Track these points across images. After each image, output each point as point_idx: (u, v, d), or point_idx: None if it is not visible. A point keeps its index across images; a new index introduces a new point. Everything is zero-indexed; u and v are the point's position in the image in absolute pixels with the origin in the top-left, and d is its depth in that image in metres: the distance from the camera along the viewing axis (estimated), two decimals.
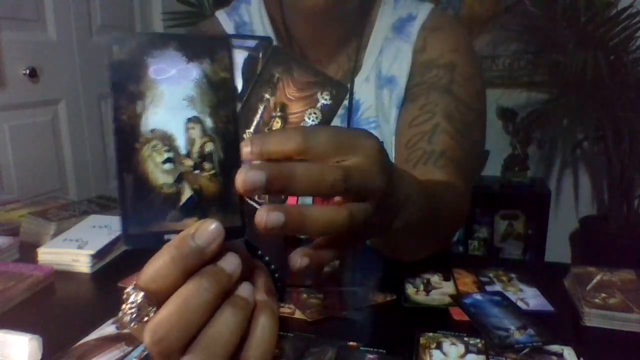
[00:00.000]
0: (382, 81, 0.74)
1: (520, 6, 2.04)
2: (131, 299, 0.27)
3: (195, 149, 0.29)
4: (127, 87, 0.28)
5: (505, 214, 2.29)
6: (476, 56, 0.77)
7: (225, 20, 0.79)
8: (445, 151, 0.65)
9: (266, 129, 0.37)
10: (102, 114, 2.27)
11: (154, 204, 0.27)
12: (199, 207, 0.28)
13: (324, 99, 0.37)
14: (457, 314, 0.54)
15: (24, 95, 1.86)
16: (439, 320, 0.53)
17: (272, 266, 0.37)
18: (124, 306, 0.27)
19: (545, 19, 1.97)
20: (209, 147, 0.29)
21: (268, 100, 0.37)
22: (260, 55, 0.37)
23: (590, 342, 0.50)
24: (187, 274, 0.27)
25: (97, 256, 0.68)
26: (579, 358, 0.45)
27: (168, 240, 0.27)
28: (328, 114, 0.37)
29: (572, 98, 2.02)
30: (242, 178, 0.28)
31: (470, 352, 0.46)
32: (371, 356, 0.46)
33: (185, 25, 2.31)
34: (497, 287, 0.60)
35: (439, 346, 0.47)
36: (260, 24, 0.78)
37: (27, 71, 1.84)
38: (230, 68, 0.30)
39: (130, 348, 0.48)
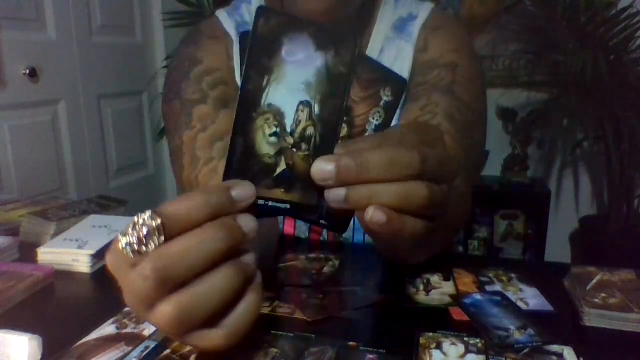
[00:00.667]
0: None
1: (520, 6, 2.04)
2: (143, 222, 0.27)
3: (299, 129, 0.31)
4: (261, 61, 0.30)
5: (505, 214, 2.29)
6: (477, 56, 0.77)
7: (225, 20, 0.79)
8: None
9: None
10: (102, 114, 2.27)
11: (253, 169, 0.31)
12: (288, 181, 0.31)
13: (386, 95, 0.35)
14: (457, 314, 0.54)
15: (24, 95, 1.86)
16: (439, 320, 0.53)
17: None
18: (129, 229, 0.27)
19: (545, 19, 1.98)
20: (310, 130, 0.31)
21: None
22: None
23: (590, 342, 0.50)
24: (209, 220, 0.27)
25: (97, 256, 0.68)
26: (579, 358, 0.45)
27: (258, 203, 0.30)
28: (391, 111, 0.35)
29: (572, 98, 2.02)
30: (313, 170, 0.30)
31: (470, 352, 0.46)
32: (371, 356, 0.46)
33: (185, 25, 2.31)
34: (497, 287, 0.60)
35: (439, 346, 0.47)
36: None
37: (27, 71, 1.84)
38: (350, 65, 0.31)
39: (130, 348, 0.48)
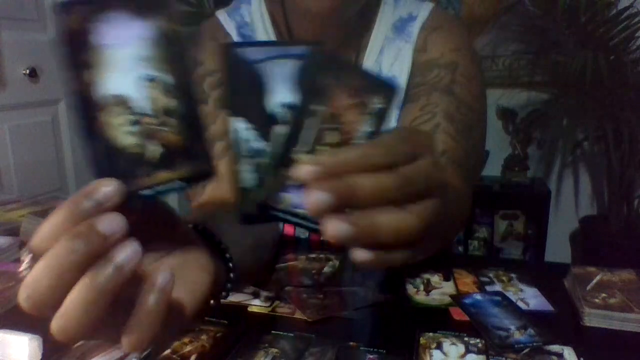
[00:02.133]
0: None
1: (520, 6, 2.04)
2: (25, 262, 0.27)
3: (159, 106, 0.29)
4: (75, 58, 0.27)
5: (505, 214, 2.29)
6: (477, 56, 0.77)
7: (225, 21, 0.79)
8: (446, 151, 0.65)
9: (321, 144, 0.34)
10: None
11: (123, 164, 0.28)
12: (167, 160, 0.29)
13: (376, 102, 0.34)
14: (457, 314, 0.54)
15: (24, 95, 1.86)
16: (439, 320, 0.53)
17: (227, 254, 0.38)
18: (20, 269, 0.27)
19: (545, 19, 1.97)
20: (172, 103, 0.29)
21: (320, 112, 0.34)
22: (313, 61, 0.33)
23: (590, 342, 0.50)
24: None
25: None
26: (579, 358, 0.45)
27: (141, 195, 0.28)
28: (382, 117, 0.34)
29: (572, 98, 2.02)
30: (308, 200, 0.28)
31: (471, 352, 0.46)
32: (371, 356, 0.46)
33: (185, 25, 2.31)
34: (497, 287, 0.60)
35: (439, 346, 0.47)
36: (262, 25, 0.78)
37: (27, 71, 1.84)
38: (180, 21, 0.30)
39: None
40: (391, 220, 0.29)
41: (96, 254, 0.26)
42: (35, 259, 0.26)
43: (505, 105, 2.30)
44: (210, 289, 0.37)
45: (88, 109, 0.28)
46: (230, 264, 0.39)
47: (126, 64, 0.28)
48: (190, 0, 2.32)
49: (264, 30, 0.78)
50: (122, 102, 0.28)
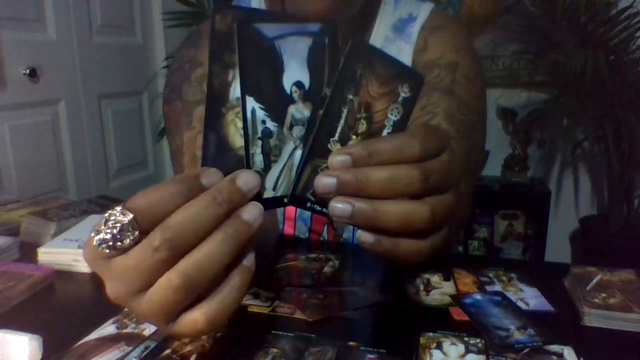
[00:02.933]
0: None
1: (520, 6, 2.04)
2: (115, 219, 0.27)
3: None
4: (223, 56, 0.29)
5: (505, 214, 2.29)
6: (477, 56, 0.77)
7: None
8: None
9: (351, 133, 0.34)
10: (102, 114, 2.27)
11: (229, 163, 0.30)
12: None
13: (404, 92, 0.34)
14: (457, 314, 0.54)
15: (24, 95, 1.86)
16: (439, 320, 0.53)
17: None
18: (102, 226, 0.27)
19: (545, 19, 1.98)
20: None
21: (352, 101, 0.33)
22: (326, 41, 0.32)
23: (590, 342, 0.50)
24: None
25: None
26: (579, 358, 0.45)
27: None
28: (409, 107, 0.35)
29: (572, 98, 2.02)
30: (316, 183, 0.30)
31: (471, 352, 0.46)
32: (371, 356, 0.46)
33: (185, 25, 2.31)
34: (497, 287, 0.60)
35: (439, 346, 0.47)
36: None
37: (27, 71, 1.84)
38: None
39: (130, 348, 0.48)
40: (400, 209, 0.30)
41: (234, 209, 0.28)
42: (138, 224, 0.27)
43: (505, 105, 2.30)
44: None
45: (219, 104, 0.30)
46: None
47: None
48: (190, 0, 2.32)
49: None
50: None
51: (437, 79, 0.70)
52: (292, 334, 0.49)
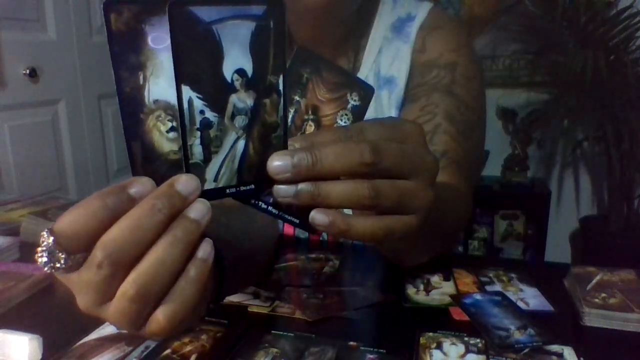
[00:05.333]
0: (381, 82, 0.74)
1: (520, 6, 2.04)
2: (44, 242, 0.26)
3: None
4: (127, 59, 0.27)
5: (505, 214, 2.29)
6: (476, 56, 0.77)
7: None
8: (447, 152, 0.65)
9: (299, 134, 0.35)
10: (102, 114, 2.27)
11: (160, 170, 0.28)
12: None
13: (353, 100, 0.35)
14: (457, 314, 0.54)
15: (24, 95, 1.86)
16: (439, 320, 0.53)
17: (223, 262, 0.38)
18: (38, 250, 0.27)
19: (545, 19, 1.98)
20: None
21: (299, 102, 0.34)
22: (272, 25, 0.29)
23: (590, 342, 0.50)
24: (110, 222, 0.26)
25: None
26: (579, 358, 0.45)
27: None
28: (358, 115, 0.35)
29: (572, 98, 2.03)
30: (270, 164, 0.29)
31: (471, 352, 0.46)
32: (371, 356, 0.46)
33: None
34: (497, 287, 0.60)
35: (439, 346, 0.47)
36: None
37: (27, 71, 1.84)
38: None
39: (130, 348, 0.48)
40: (343, 186, 0.30)
41: (175, 214, 0.27)
42: (63, 246, 0.26)
43: (505, 105, 2.30)
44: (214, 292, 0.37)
45: (135, 110, 0.28)
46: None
47: (171, 71, 0.27)
48: None
49: None
50: (166, 107, 0.28)
51: (436, 79, 0.70)
52: (292, 334, 0.49)
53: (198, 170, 0.29)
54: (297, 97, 0.34)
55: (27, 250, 0.73)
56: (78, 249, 0.26)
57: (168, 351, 0.47)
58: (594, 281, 0.57)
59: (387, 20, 0.76)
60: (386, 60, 0.74)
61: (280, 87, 0.30)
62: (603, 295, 0.54)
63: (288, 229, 0.78)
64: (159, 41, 0.27)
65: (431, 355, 0.46)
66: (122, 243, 0.26)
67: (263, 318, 0.54)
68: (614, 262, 0.63)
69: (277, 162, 0.30)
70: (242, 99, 0.29)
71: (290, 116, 0.34)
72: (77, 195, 2.07)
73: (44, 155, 1.97)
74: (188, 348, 0.47)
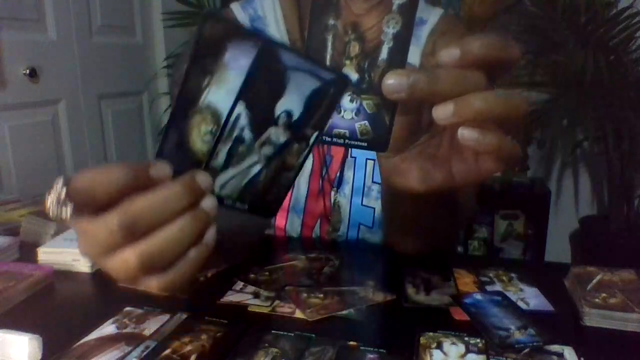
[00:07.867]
0: None
1: (520, 6, 2.04)
2: (56, 190, 0.28)
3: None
4: (205, 61, 0.30)
5: (505, 214, 2.29)
6: None
7: (239, 13, 0.80)
8: None
9: (344, 59, 0.33)
10: (102, 114, 2.27)
11: (184, 162, 0.31)
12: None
13: None
14: (458, 314, 0.54)
15: (24, 95, 1.86)
16: (439, 320, 0.53)
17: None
18: (48, 194, 0.28)
19: (545, 19, 1.97)
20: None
21: (335, 25, 0.32)
22: (331, 91, 0.32)
23: (591, 342, 0.50)
24: (126, 192, 0.28)
25: None
26: (579, 358, 0.45)
27: None
28: (408, 14, 0.32)
29: (572, 98, 2.02)
30: (385, 82, 0.29)
31: (471, 351, 0.46)
32: (371, 356, 0.46)
33: (185, 25, 2.31)
34: (498, 287, 0.60)
35: (439, 346, 0.47)
36: (274, 20, 0.79)
37: (27, 71, 1.84)
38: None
39: (130, 348, 0.48)
40: (453, 72, 0.31)
41: (193, 203, 0.30)
42: (72, 199, 0.27)
43: None
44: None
45: (187, 106, 0.30)
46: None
47: (234, 87, 0.30)
48: (190, 0, 2.32)
49: (275, 26, 0.79)
50: (215, 114, 0.31)
51: None
52: (292, 334, 0.49)
53: (213, 173, 0.31)
54: (331, 21, 0.32)
55: (27, 250, 0.73)
56: (84, 205, 0.28)
57: (168, 351, 0.47)
58: (594, 281, 0.57)
59: None
60: None
61: (312, 141, 0.32)
62: (603, 295, 0.54)
63: (280, 220, 0.78)
64: (232, 60, 0.30)
65: (431, 355, 0.46)
66: (142, 216, 0.28)
67: (263, 318, 0.54)
68: (614, 262, 0.63)
69: (391, 81, 0.29)
70: (277, 134, 0.32)
71: (329, 44, 0.33)
72: None
73: (44, 155, 1.97)
74: (188, 348, 0.47)
